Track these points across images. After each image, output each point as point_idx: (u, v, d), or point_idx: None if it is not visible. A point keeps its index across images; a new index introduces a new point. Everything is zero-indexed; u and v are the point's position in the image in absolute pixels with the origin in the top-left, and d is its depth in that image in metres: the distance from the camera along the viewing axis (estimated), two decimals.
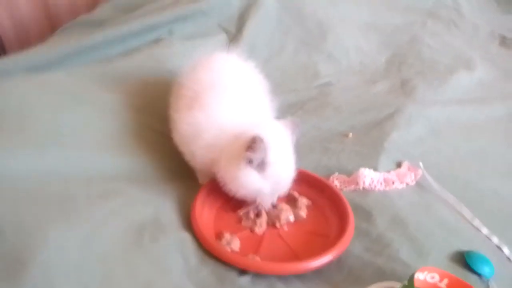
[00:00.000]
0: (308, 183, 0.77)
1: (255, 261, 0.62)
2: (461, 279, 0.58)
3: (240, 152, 0.65)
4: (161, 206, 0.70)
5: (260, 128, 0.66)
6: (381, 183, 0.80)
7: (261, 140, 0.62)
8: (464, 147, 0.94)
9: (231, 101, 0.72)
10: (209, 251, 0.63)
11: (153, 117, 0.89)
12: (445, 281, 0.58)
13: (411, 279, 0.55)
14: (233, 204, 0.73)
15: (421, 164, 0.83)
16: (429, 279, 0.58)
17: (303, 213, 0.73)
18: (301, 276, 0.62)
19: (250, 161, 0.64)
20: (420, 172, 0.82)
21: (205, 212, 0.71)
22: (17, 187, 0.63)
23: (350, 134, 0.94)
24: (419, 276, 0.57)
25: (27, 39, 1.54)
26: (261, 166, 0.64)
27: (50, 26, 1.57)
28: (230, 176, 0.67)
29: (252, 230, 0.70)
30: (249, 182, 0.66)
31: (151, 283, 0.57)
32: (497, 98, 1.15)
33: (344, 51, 1.30)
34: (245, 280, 0.60)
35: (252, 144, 0.62)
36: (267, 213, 0.71)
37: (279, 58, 1.24)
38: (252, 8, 1.27)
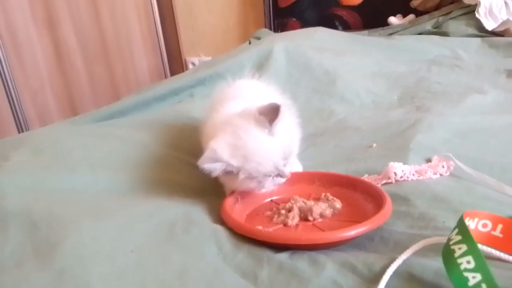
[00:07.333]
0: (339, 183, 0.76)
1: (294, 233, 0.59)
2: None
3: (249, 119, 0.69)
4: (191, 208, 0.69)
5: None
6: (413, 174, 0.77)
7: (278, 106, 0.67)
8: (493, 143, 0.91)
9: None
10: (242, 233, 0.61)
11: (179, 150, 0.92)
12: (500, 227, 0.53)
13: (461, 222, 0.51)
14: (263, 209, 0.73)
15: (451, 155, 0.81)
16: (481, 228, 0.54)
17: (338, 205, 0.70)
18: (343, 249, 0.57)
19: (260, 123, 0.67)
20: (451, 163, 0.80)
21: (235, 214, 0.69)
22: (52, 195, 0.66)
23: (374, 145, 0.93)
24: (470, 224, 0.53)
25: None
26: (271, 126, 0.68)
27: None
28: (245, 147, 0.67)
29: (285, 224, 0.67)
30: (261, 142, 0.67)
31: (186, 268, 0.54)
32: None
33: (355, 93, 1.35)
34: (283, 256, 0.56)
35: (268, 109, 0.67)
36: (299, 208, 0.69)
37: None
38: (263, 67, 1.37)
